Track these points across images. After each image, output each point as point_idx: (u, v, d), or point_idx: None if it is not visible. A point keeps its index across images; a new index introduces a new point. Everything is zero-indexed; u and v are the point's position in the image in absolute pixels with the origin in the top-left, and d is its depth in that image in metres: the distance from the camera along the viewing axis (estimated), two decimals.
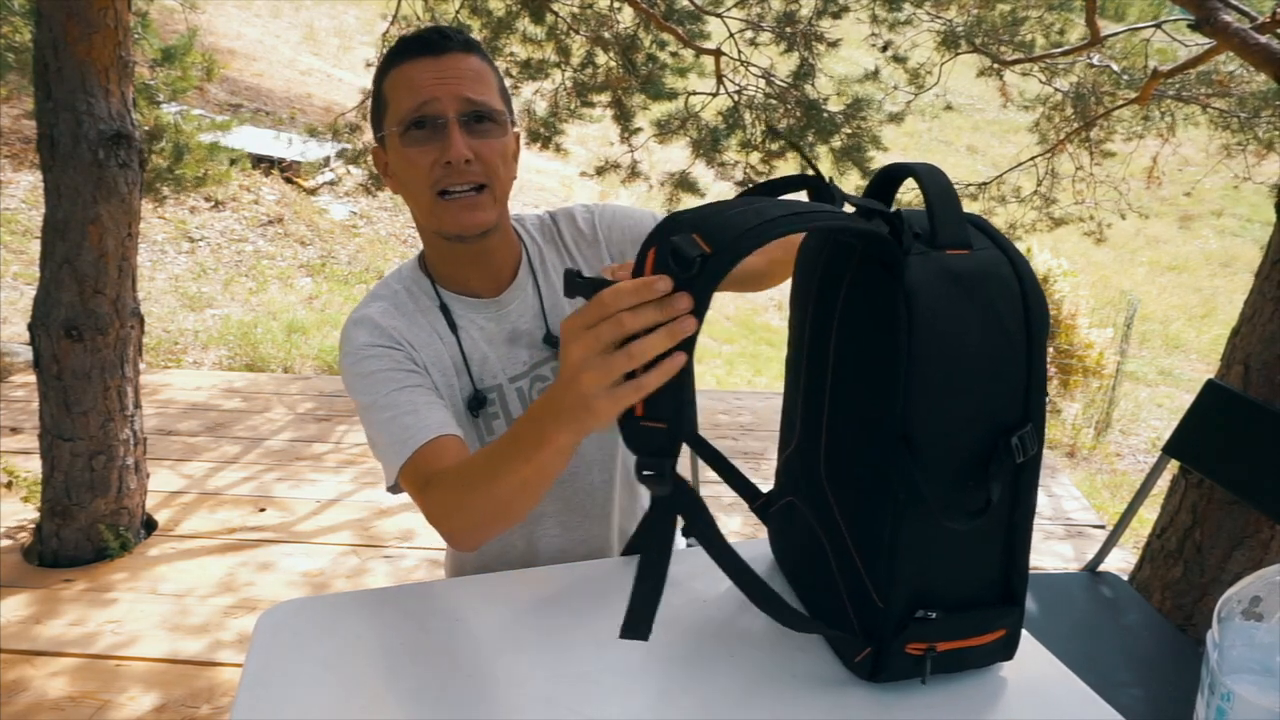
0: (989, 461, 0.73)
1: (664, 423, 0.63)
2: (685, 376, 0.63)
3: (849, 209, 0.76)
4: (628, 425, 0.64)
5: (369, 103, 1.13)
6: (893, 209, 0.87)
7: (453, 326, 1.11)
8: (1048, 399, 5.29)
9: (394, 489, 1.04)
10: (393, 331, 1.07)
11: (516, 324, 1.14)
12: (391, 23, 4.07)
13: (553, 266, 1.18)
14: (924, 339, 0.71)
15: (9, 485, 2.65)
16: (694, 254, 0.59)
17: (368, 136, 4.23)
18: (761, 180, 3.79)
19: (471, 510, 0.88)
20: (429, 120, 1.00)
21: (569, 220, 1.21)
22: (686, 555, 1.06)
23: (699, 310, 0.61)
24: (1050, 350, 5.20)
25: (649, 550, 0.69)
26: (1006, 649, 0.82)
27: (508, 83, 4.08)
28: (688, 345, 0.62)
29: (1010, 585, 0.79)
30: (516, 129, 1.12)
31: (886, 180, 0.84)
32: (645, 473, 0.65)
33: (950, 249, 0.73)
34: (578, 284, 0.65)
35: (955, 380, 0.72)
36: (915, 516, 0.74)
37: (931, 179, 0.75)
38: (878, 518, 0.77)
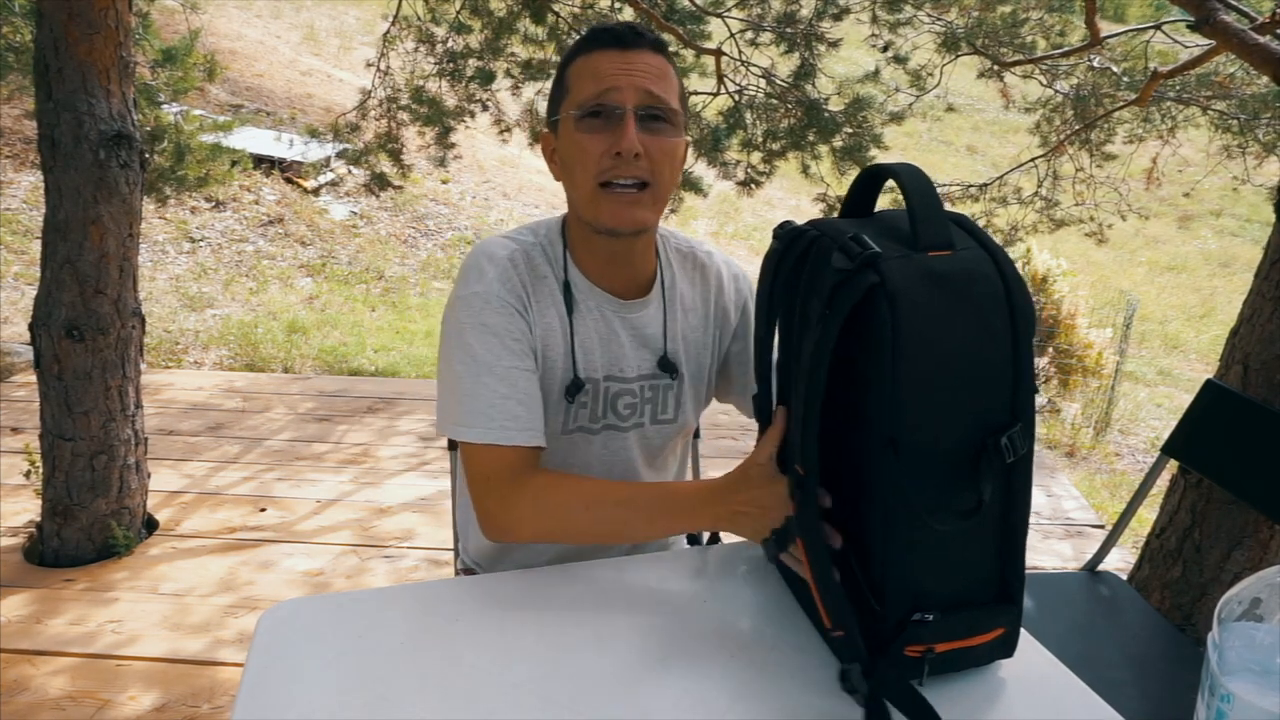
0: (978, 462, 0.74)
1: (843, 630, 0.79)
2: (850, 597, 0.79)
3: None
4: (828, 639, 0.86)
5: (549, 87, 1.16)
6: (875, 210, 0.88)
7: (569, 308, 1.09)
8: (1047, 399, 5.23)
9: (451, 444, 1.22)
10: (520, 289, 1.06)
11: (635, 332, 1.13)
12: (392, 23, 4.06)
13: (682, 296, 1.18)
14: (908, 341, 0.71)
15: (27, 474, 2.66)
16: (796, 481, 0.83)
17: (368, 137, 4.22)
18: (762, 177, 3.72)
19: (554, 524, 1.00)
20: (606, 109, 1.01)
21: (720, 274, 1.21)
22: (686, 555, 1.06)
23: (818, 505, 0.82)
24: (1050, 350, 5.20)
25: None
26: (1006, 647, 0.82)
27: (508, 83, 4.07)
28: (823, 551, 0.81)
29: (1006, 584, 0.80)
30: (688, 138, 1.12)
31: (868, 182, 0.85)
32: (843, 682, 0.80)
33: (932, 250, 0.73)
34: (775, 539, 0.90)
35: (941, 381, 0.72)
36: (906, 519, 0.74)
37: (912, 180, 0.75)
38: (870, 522, 0.77)
